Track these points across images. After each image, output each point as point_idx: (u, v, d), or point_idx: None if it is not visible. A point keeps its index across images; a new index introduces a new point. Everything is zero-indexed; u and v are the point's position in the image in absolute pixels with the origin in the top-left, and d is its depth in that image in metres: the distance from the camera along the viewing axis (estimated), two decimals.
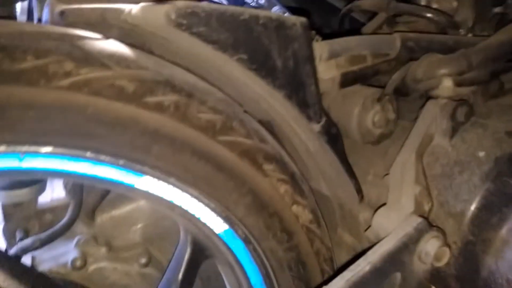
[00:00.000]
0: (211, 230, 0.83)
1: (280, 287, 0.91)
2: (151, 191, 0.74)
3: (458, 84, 0.82)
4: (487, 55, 0.85)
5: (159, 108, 0.68)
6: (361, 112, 0.93)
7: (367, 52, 0.87)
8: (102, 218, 1.00)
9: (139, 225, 1.03)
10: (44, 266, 0.90)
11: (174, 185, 0.75)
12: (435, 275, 0.72)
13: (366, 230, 0.88)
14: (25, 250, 0.87)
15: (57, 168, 0.66)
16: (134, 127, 0.67)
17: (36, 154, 0.64)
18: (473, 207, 0.73)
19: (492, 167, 0.74)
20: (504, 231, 0.73)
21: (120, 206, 1.02)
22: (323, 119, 0.81)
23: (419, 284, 0.70)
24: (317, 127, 0.81)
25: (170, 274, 0.89)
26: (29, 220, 0.96)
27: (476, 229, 0.73)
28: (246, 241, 0.85)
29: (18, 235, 0.94)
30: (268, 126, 0.91)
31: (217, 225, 0.82)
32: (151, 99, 0.68)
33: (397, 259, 0.66)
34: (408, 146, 0.83)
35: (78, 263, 0.91)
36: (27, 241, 0.88)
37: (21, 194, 0.90)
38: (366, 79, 0.94)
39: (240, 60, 0.73)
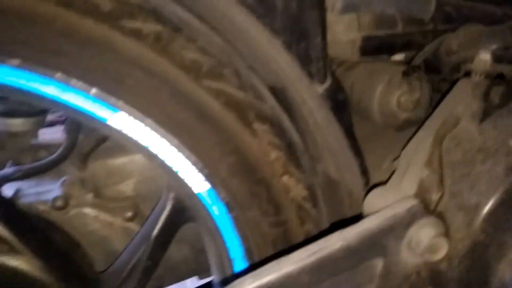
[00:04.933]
0: (191, 189, 0.75)
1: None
2: (125, 131, 0.69)
3: (497, 59, 0.68)
4: None
5: (136, 35, 0.62)
6: (385, 91, 0.82)
7: (395, 12, 0.75)
8: (95, 164, 0.96)
9: (133, 179, 0.98)
10: (26, 200, 0.87)
11: (151, 127, 0.68)
12: (435, 276, 0.60)
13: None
14: (5, 179, 0.85)
15: (26, 85, 0.63)
16: (107, 51, 0.62)
17: (3, 65, 0.60)
18: (490, 202, 0.60)
19: None
20: None
21: (115, 156, 0.98)
22: (328, 81, 0.71)
23: (405, 278, 0.58)
24: (320, 89, 0.71)
25: (145, 230, 0.83)
26: (22, 153, 0.95)
27: (490, 228, 0.60)
28: (229, 206, 0.77)
29: (8, 165, 0.92)
30: (281, 94, 0.83)
31: (198, 182, 0.75)
32: (128, 24, 0.62)
33: (378, 242, 0.55)
34: (426, 126, 0.71)
35: (59, 202, 0.88)
36: (9, 170, 0.86)
37: (16, 123, 0.89)
38: (394, 50, 0.82)
39: None
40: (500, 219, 0.60)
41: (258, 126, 0.72)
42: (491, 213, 0.60)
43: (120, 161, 0.98)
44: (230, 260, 0.83)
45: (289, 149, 0.76)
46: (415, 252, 0.56)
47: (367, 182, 0.80)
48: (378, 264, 0.57)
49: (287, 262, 0.53)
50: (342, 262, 0.55)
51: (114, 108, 0.66)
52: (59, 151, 0.91)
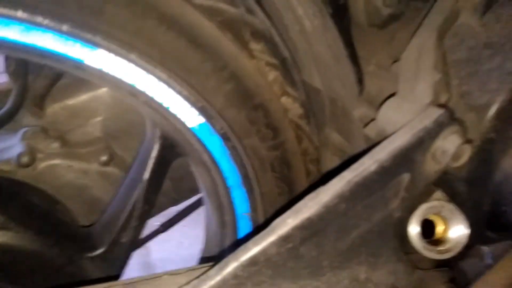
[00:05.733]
0: (183, 124, 0.69)
1: (260, 188, 0.81)
2: (106, 69, 0.59)
3: None
4: None
5: None
6: None
7: None
8: (53, 107, 0.84)
9: (99, 118, 0.88)
10: None
11: (136, 63, 0.59)
12: (442, 177, 0.62)
13: (365, 126, 0.76)
14: None
15: None
16: None
17: None
18: (501, 98, 0.61)
19: None
20: None
21: (75, 94, 0.86)
22: None
23: (427, 186, 0.60)
24: None
25: (135, 173, 0.77)
26: None
27: (499, 125, 0.62)
28: (225, 137, 0.72)
29: None
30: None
31: (191, 117, 0.68)
32: None
33: (408, 157, 0.55)
34: (427, 25, 0.68)
35: (25, 159, 0.77)
36: None
37: None
38: None
39: None
40: (509, 115, 0.62)
41: (254, 45, 0.65)
42: (502, 110, 0.61)
43: (82, 99, 0.86)
44: (227, 189, 0.81)
45: (284, 66, 0.71)
46: (440, 161, 0.57)
47: (362, 90, 0.78)
48: (405, 178, 0.57)
49: (325, 193, 0.52)
50: (375, 183, 0.54)
51: (91, 45, 0.55)
52: (11, 99, 0.77)
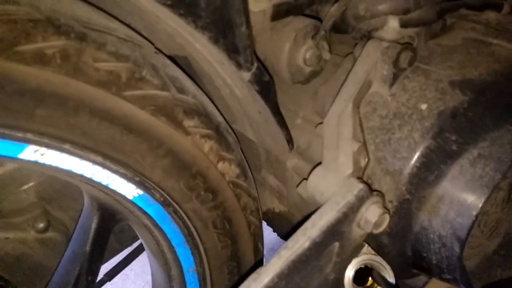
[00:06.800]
0: (123, 196, 0.70)
1: (204, 244, 0.84)
2: (41, 161, 0.59)
3: (403, 24, 0.72)
4: None
5: (40, 60, 0.50)
6: (292, 49, 0.81)
7: None
8: None
9: (32, 183, 0.86)
10: None
11: (69, 153, 0.59)
12: (369, 234, 0.69)
13: (298, 185, 0.81)
14: None
15: None
16: (6, 86, 0.49)
17: None
18: (411, 165, 0.69)
19: (434, 123, 0.68)
20: (440, 188, 0.70)
21: (4, 163, 0.83)
22: (255, 66, 0.68)
23: (356, 247, 0.66)
24: (247, 75, 0.68)
25: (76, 246, 0.76)
26: None
27: (413, 187, 0.69)
28: (165, 204, 0.74)
29: None
30: (184, 62, 0.76)
31: (130, 190, 0.69)
32: (26, 48, 0.50)
33: (337, 230, 0.60)
34: (344, 95, 0.74)
35: None
36: None
37: None
38: (301, 9, 0.80)
39: None
40: (420, 179, 0.69)
41: (188, 122, 0.68)
42: (413, 175, 0.69)
43: (11, 167, 0.83)
44: (171, 248, 0.83)
45: (218, 134, 0.74)
46: (364, 228, 0.63)
47: (292, 147, 0.83)
48: (335, 246, 0.63)
49: (265, 273, 0.56)
50: (310, 257, 0.59)
51: (22, 143, 0.55)
52: None
